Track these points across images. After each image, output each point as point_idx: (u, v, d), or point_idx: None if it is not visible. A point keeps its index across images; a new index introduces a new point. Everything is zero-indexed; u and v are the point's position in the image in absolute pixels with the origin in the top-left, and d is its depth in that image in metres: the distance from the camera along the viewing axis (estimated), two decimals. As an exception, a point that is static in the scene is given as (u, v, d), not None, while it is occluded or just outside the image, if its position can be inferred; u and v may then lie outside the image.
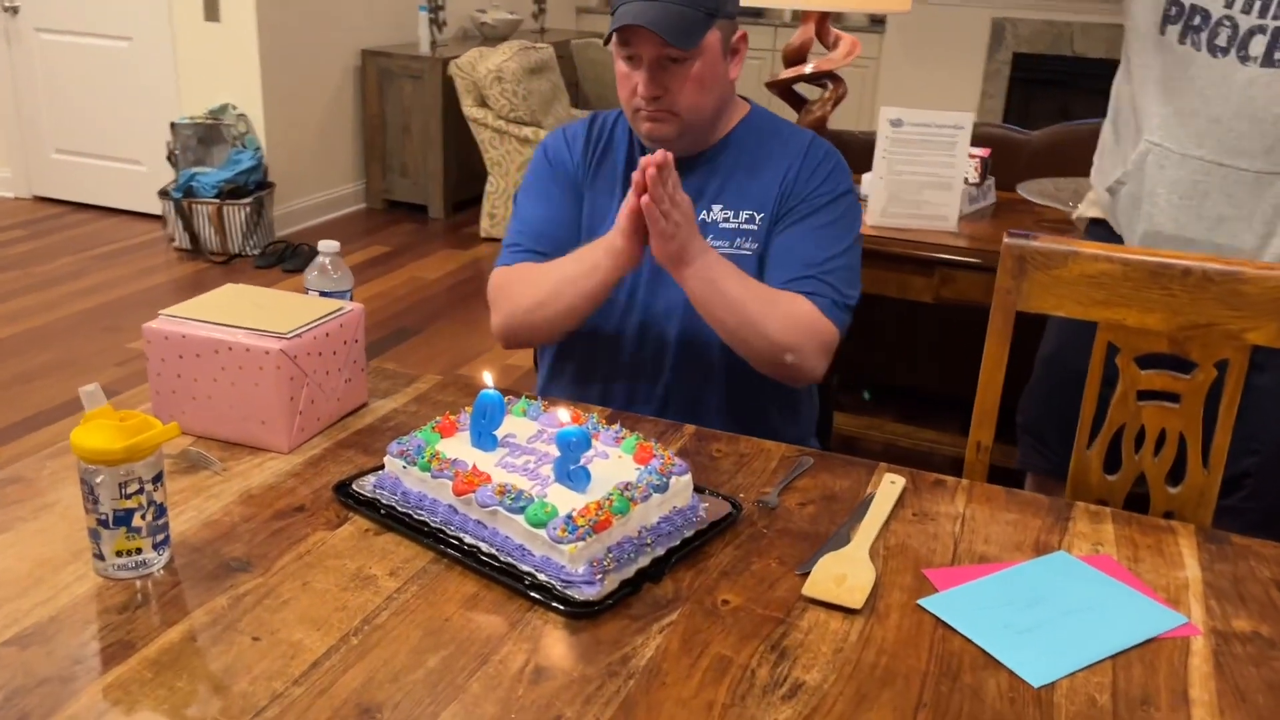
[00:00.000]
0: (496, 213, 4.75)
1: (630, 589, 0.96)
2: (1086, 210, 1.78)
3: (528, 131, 4.53)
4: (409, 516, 1.05)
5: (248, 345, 1.15)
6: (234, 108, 4.48)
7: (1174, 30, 1.50)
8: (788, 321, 1.35)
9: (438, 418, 1.14)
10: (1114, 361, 1.26)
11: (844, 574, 1.00)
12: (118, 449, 0.90)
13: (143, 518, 0.94)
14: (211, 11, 4.42)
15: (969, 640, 0.92)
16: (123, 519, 0.93)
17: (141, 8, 4.54)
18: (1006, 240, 1.27)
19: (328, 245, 1.33)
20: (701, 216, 1.44)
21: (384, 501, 1.07)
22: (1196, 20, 1.47)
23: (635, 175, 1.25)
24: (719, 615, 0.94)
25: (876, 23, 6.16)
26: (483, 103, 4.61)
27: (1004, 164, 2.74)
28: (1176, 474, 1.29)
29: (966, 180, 2.51)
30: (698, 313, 1.36)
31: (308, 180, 4.84)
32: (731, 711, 0.82)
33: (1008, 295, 1.28)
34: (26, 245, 4.39)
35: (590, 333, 1.45)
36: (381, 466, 1.12)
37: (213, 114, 4.46)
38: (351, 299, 1.33)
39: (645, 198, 1.22)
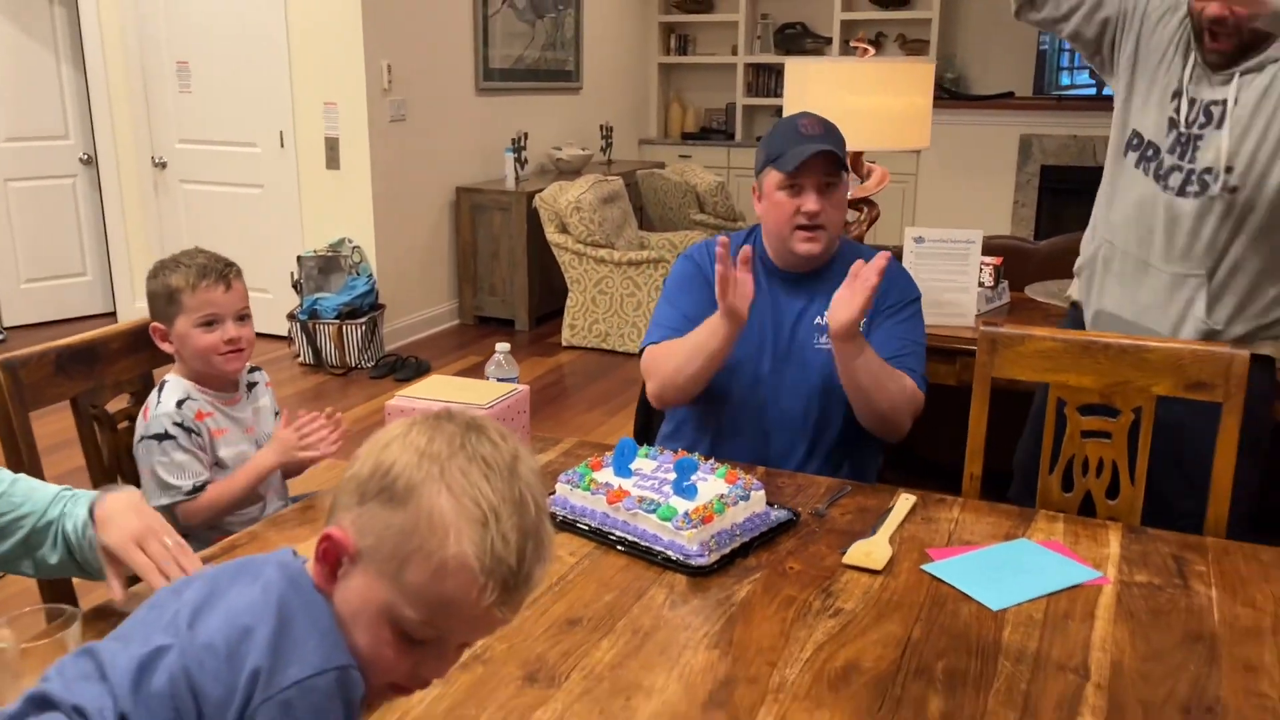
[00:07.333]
0: (576, 323, 5.35)
1: (728, 561, 1.47)
2: (1072, 293, 2.26)
3: (603, 253, 5.17)
4: (575, 522, 1.57)
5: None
6: (350, 241, 5.18)
7: (1133, 155, 1.97)
8: (899, 391, 1.81)
9: (589, 458, 1.67)
10: (1063, 411, 1.75)
11: (871, 550, 1.49)
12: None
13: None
14: (332, 162, 5.18)
15: (952, 586, 1.40)
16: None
17: (272, 160, 5.31)
18: (981, 329, 1.79)
19: (502, 347, 1.89)
20: (816, 319, 1.92)
21: (559, 513, 1.60)
22: (1149, 152, 1.95)
23: (745, 251, 1.76)
24: (788, 575, 1.44)
25: (912, 143, 6.75)
26: (563, 229, 5.27)
27: (1017, 269, 3.25)
28: (1113, 490, 1.76)
29: (982, 284, 3.02)
30: (795, 398, 1.89)
31: (411, 300, 5.51)
32: (797, 624, 1.32)
33: (984, 367, 1.80)
34: (174, 364, 5.07)
35: (712, 404, 1.92)
36: (553, 492, 1.65)
37: (332, 247, 5.17)
38: (519, 383, 1.88)
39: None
